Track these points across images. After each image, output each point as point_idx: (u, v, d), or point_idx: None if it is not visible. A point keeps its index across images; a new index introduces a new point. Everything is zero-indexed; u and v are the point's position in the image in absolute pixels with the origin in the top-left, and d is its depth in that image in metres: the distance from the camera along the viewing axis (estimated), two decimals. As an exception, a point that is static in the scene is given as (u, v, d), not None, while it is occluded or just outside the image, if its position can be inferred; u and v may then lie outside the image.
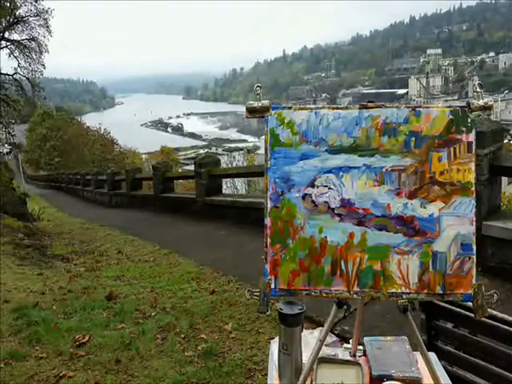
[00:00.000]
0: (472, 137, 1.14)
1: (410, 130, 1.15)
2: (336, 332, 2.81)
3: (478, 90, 1.15)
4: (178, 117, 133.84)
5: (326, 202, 1.16)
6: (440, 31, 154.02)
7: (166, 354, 2.95)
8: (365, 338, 1.48)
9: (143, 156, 39.34)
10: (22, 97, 18.71)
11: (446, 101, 71.02)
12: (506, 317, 1.52)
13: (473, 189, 1.14)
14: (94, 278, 5.12)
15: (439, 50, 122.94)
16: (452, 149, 1.14)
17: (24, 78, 18.35)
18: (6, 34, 17.55)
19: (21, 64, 18.11)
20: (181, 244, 6.31)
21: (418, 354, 1.32)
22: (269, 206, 1.18)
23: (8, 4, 16.37)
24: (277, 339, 1.35)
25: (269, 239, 1.18)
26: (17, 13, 17.14)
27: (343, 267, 1.15)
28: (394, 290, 1.14)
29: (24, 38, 17.90)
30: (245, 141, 75.68)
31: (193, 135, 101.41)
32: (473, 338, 1.68)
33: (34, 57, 18.24)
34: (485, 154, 3.39)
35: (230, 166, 15.37)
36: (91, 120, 47.68)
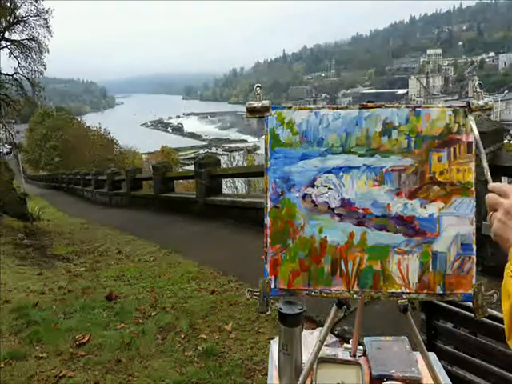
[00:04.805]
0: (472, 137, 1.14)
1: (410, 130, 1.15)
2: (336, 332, 2.81)
3: (478, 90, 1.15)
4: (178, 117, 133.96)
5: (326, 201, 1.16)
6: (440, 31, 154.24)
7: (166, 354, 2.95)
8: (365, 338, 1.48)
9: (143, 156, 39.34)
10: (22, 97, 18.72)
11: (446, 101, 71.00)
12: (505, 317, 1.52)
13: (473, 189, 1.13)
14: (94, 277, 5.12)
15: (439, 50, 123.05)
16: (452, 149, 1.14)
17: (24, 78, 18.37)
18: (6, 34, 17.58)
19: (21, 64, 18.15)
20: (181, 244, 6.31)
21: (417, 354, 1.32)
22: (269, 206, 1.18)
23: (8, 4, 16.38)
24: (277, 339, 1.35)
25: (269, 239, 1.17)
26: (17, 13, 17.16)
27: (343, 267, 1.15)
28: (393, 290, 1.14)
29: (24, 38, 17.93)
30: (245, 141, 75.71)
31: (193, 135, 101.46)
32: (473, 337, 1.68)
33: (34, 57, 18.28)
34: (485, 153, 3.39)
35: (230, 166, 15.37)
36: (91, 120, 47.68)
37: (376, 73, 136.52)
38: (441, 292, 1.13)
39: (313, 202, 1.17)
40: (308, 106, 1.21)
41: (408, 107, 1.16)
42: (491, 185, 0.89)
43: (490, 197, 0.87)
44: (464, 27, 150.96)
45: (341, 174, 1.16)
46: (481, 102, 1.13)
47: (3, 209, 9.86)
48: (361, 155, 1.16)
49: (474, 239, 1.12)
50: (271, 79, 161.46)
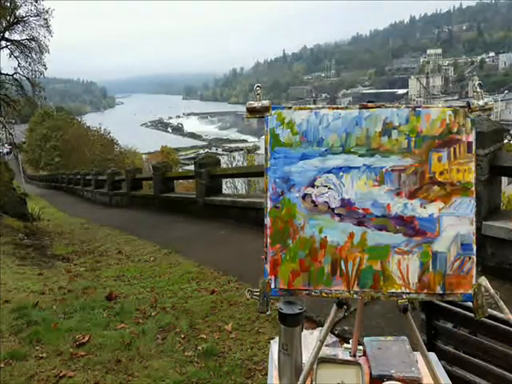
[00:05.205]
0: (472, 137, 1.14)
1: (410, 130, 1.15)
2: (336, 332, 2.81)
3: (478, 90, 1.15)
4: (178, 117, 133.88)
5: (326, 201, 1.16)
6: (440, 31, 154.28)
7: (166, 354, 2.95)
8: (365, 338, 1.48)
9: (143, 156, 39.36)
10: (22, 97, 18.70)
11: (446, 101, 71.04)
12: (505, 317, 1.52)
13: (473, 189, 1.14)
14: (94, 277, 5.12)
15: (439, 50, 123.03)
16: (452, 149, 1.14)
17: (24, 78, 18.36)
18: (7, 34, 17.56)
19: (21, 64, 18.13)
20: (181, 244, 6.31)
21: (418, 354, 1.32)
22: (269, 206, 1.18)
23: (8, 4, 16.37)
24: (277, 339, 1.35)
25: (269, 239, 1.18)
26: (17, 13, 17.14)
27: (343, 267, 1.15)
28: (393, 290, 1.14)
29: (24, 38, 17.90)
30: (245, 141, 75.71)
31: (193, 135, 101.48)
32: (473, 337, 1.68)
33: (35, 57, 18.25)
34: (485, 154, 3.39)
35: (229, 166, 15.37)
36: (91, 120, 47.68)
37: (376, 73, 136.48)
38: (441, 292, 1.13)
39: (313, 201, 1.17)
40: (308, 106, 1.21)
41: (408, 107, 1.16)
42: None
43: None
44: (464, 27, 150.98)
45: (341, 173, 1.16)
46: (481, 102, 1.13)
47: (3, 209, 9.87)
48: (361, 155, 1.16)
49: (474, 239, 1.12)
50: (271, 79, 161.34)
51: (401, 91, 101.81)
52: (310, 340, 1.44)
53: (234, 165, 16.38)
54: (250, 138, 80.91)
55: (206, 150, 62.25)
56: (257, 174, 8.01)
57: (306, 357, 1.27)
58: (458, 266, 1.12)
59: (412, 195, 1.14)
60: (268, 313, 1.18)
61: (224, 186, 9.51)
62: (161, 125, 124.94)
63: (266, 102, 1.20)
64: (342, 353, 1.46)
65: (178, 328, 3.33)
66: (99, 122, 37.36)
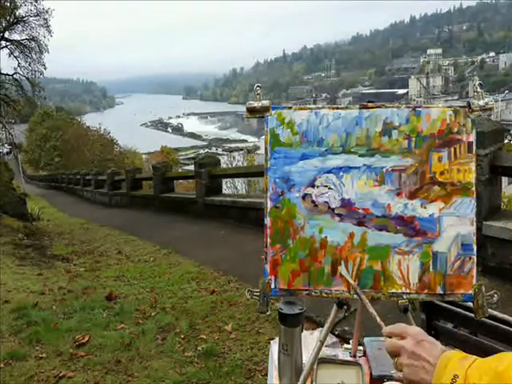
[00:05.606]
0: (472, 137, 1.14)
1: (410, 130, 1.15)
2: (336, 332, 2.81)
3: (479, 90, 1.14)
4: (178, 117, 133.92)
5: (326, 202, 1.16)
6: (440, 31, 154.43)
7: (165, 355, 2.95)
8: (365, 339, 1.48)
9: (143, 156, 39.39)
10: (22, 97, 18.73)
11: (447, 101, 71.03)
12: (506, 317, 1.52)
13: (473, 189, 1.13)
14: (94, 278, 5.12)
15: (439, 50, 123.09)
16: (452, 149, 1.14)
17: (24, 78, 18.38)
18: (6, 34, 17.59)
19: (21, 64, 18.17)
20: (181, 244, 6.31)
21: (418, 355, 1.31)
22: (269, 206, 1.18)
23: (8, 4, 16.38)
24: (277, 339, 1.34)
25: (269, 239, 1.17)
26: (17, 13, 17.17)
27: (343, 267, 1.15)
28: (394, 290, 1.14)
29: (24, 37, 17.95)
30: (245, 141, 75.70)
31: (193, 135, 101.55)
32: (473, 338, 1.68)
33: (34, 57, 18.30)
34: (485, 154, 3.39)
35: (229, 166, 15.37)
36: (91, 120, 47.68)
37: (376, 73, 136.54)
38: (441, 292, 1.13)
39: (313, 202, 1.17)
40: (308, 106, 1.20)
41: (408, 107, 1.16)
42: (385, 330, 0.88)
43: (388, 344, 0.85)
44: (464, 27, 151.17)
45: (341, 174, 1.16)
46: (481, 102, 1.13)
47: (3, 209, 9.86)
48: (361, 155, 1.16)
49: (474, 239, 1.12)
50: (271, 79, 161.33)
51: (401, 91, 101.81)
52: (310, 340, 1.44)
53: (233, 165, 16.37)
54: (250, 138, 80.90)
55: (205, 150, 62.30)
56: (257, 174, 8.01)
57: (306, 357, 1.27)
58: (458, 266, 1.12)
59: (412, 195, 1.14)
60: (268, 313, 1.18)
61: (224, 186, 9.51)
62: (161, 125, 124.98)
63: (265, 102, 1.19)
64: (342, 353, 1.46)
65: (177, 328, 3.33)
66: (99, 122, 37.39)
